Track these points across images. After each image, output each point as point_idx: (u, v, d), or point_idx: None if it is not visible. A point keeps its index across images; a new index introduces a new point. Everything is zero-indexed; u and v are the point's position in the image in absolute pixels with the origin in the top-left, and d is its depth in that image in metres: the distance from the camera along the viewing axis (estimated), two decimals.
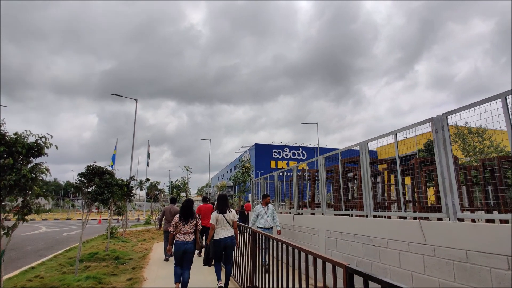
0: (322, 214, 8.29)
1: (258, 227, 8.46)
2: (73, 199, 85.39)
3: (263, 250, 5.74)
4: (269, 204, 8.99)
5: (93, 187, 8.86)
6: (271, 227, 8.71)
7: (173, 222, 6.57)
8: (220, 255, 6.53)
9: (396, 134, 5.40)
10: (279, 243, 4.65)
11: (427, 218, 5.29)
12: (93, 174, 8.78)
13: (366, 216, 6.14)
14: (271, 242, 5.05)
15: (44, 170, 5.70)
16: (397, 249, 5.05)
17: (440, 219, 4.96)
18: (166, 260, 10.27)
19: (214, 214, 6.61)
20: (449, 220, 4.30)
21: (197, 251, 8.21)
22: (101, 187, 8.71)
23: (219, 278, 6.57)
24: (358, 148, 6.77)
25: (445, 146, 4.39)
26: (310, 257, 3.48)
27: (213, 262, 6.71)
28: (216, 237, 6.47)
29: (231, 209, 6.82)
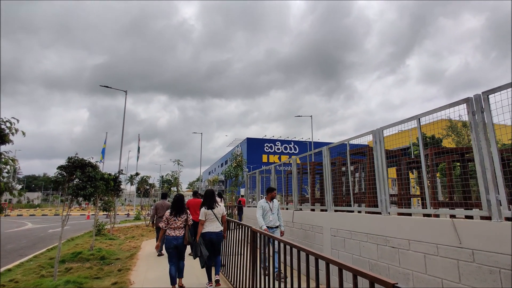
0: (325, 210, 7.64)
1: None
2: (62, 194, 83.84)
3: (264, 254, 4.99)
4: (274, 199, 7.80)
5: (75, 181, 8.06)
6: (277, 226, 7.61)
7: (164, 218, 6.59)
8: (208, 248, 6.49)
9: (419, 119, 4.67)
10: (289, 248, 3.91)
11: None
12: (74, 167, 7.96)
13: (380, 213, 5.42)
14: (277, 245, 4.32)
15: (9, 160, 4.81)
16: (422, 252, 4.34)
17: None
18: (159, 255, 10.23)
19: (203, 210, 6.68)
20: (493, 219, 3.60)
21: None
22: (83, 181, 7.88)
23: (209, 279, 6.67)
24: (365, 139, 6.12)
25: (485, 131, 3.68)
26: (333, 267, 2.75)
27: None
28: (203, 230, 6.59)
29: (219, 204, 6.94)
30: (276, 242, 5.00)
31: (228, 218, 7.25)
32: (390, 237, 4.98)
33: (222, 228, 6.75)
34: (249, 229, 5.63)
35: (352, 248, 5.96)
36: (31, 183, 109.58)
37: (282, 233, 7.68)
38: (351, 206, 6.69)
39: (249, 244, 5.58)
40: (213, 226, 6.61)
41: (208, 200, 6.80)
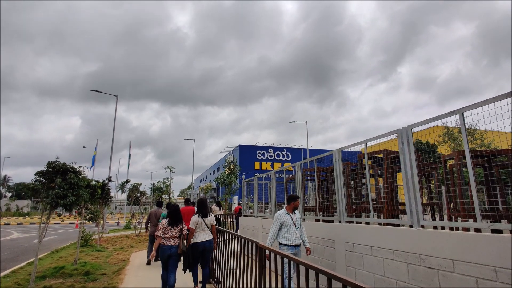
0: (331, 221, 7.02)
1: (281, 243, 5.93)
2: (39, 203, 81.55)
3: (289, 279, 4.11)
4: (296, 210, 6.27)
5: (55, 190, 7.15)
6: (300, 245, 6.02)
7: (160, 226, 6.46)
8: (198, 258, 6.62)
9: (462, 113, 3.89)
10: (314, 273, 3.07)
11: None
12: (54, 173, 7.08)
13: (411, 226, 4.62)
14: (294, 267, 3.45)
15: None
16: (473, 275, 3.54)
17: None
18: (149, 263, 10.10)
19: (194, 218, 6.69)
20: None
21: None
22: (64, 189, 6.99)
23: (195, 283, 6.66)
24: (389, 137, 5.36)
25: None
26: None
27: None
28: (194, 240, 6.60)
29: (210, 214, 6.96)
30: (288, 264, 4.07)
31: (223, 228, 7.41)
32: (425, 256, 4.17)
33: (212, 236, 6.79)
34: (256, 244, 4.76)
35: (373, 267, 5.13)
36: (21, 190, 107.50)
37: (308, 251, 6.21)
38: (361, 216, 5.95)
39: (254, 262, 4.73)
40: (205, 235, 6.67)
41: (201, 208, 6.84)
